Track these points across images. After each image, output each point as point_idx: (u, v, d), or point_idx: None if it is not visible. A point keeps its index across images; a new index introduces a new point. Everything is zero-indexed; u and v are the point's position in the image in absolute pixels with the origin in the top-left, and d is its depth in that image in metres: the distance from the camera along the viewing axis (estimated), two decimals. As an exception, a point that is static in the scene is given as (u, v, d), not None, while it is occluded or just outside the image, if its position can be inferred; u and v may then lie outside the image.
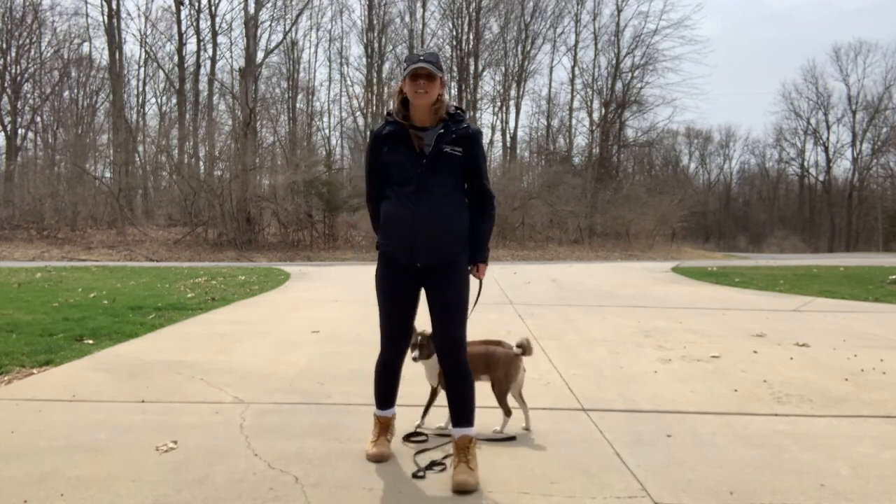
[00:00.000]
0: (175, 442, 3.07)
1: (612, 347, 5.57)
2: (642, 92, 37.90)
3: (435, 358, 3.03)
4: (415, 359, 3.10)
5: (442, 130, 2.73)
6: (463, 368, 2.82)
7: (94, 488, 2.57)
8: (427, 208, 2.70)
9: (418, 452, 3.00)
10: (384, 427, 3.02)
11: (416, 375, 4.45)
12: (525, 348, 3.28)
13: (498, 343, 3.33)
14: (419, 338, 3.09)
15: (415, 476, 2.74)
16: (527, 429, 3.32)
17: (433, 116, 2.74)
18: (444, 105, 2.75)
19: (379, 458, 2.89)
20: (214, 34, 33.02)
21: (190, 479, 2.66)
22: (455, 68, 35.51)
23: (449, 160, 2.72)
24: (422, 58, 2.67)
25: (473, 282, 2.90)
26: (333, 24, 42.44)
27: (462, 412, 2.79)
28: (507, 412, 3.26)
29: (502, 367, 3.24)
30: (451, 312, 2.79)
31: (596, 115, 38.01)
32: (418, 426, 3.31)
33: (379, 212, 2.89)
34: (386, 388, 3.02)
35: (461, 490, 2.57)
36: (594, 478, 2.71)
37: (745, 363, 4.96)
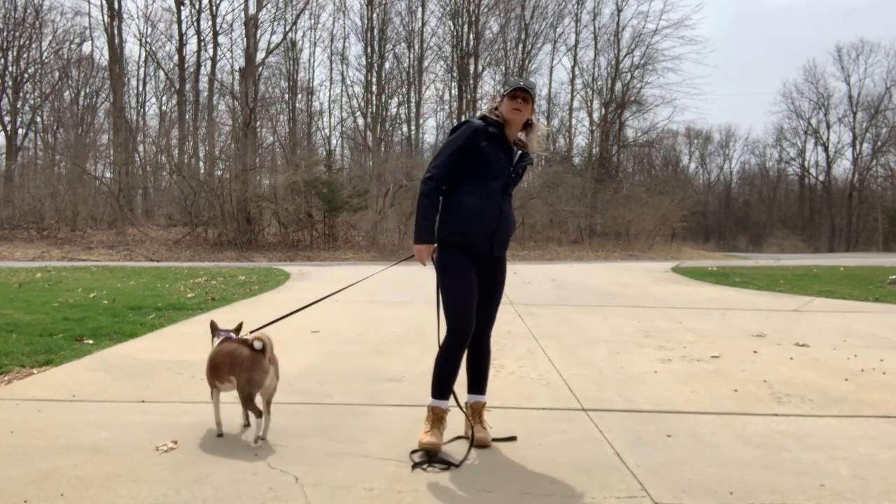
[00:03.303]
0: (175, 442, 3.07)
1: (612, 347, 5.57)
2: (642, 92, 37.96)
3: (213, 350, 3.24)
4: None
5: (521, 153, 3.15)
6: (486, 348, 3.23)
7: (94, 488, 2.57)
8: (509, 207, 3.13)
9: (415, 451, 2.99)
10: (438, 418, 3.03)
11: (412, 376, 4.45)
12: (264, 345, 3.03)
13: (248, 344, 3.08)
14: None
15: (416, 465, 2.79)
16: (262, 438, 3.07)
17: (518, 137, 3.16)
18: (533, 130, 3.14)
19: (431, 447, 2.91)
20: (215, 34, 33.04)
21: (190, 479, 2.66)
22: (455, 68, 35.52)
23: (518, 175, 3.19)
24: (522, 83, 3.01)
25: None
26: (334, 23, 42.55)
27: (479, 382, 3.21)
28: (257, 413, 3.06)
29: (246, 370, 3.03)
30: (495, 304, 3.22)
31: (596, 115, 38.06)
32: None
33: (440, 193, 3.06)
34: (448, 376, 3.04)
35: (482, 445, 3.04)
36: (594, 478, 2.71)
37: (745, 363, 4.96)
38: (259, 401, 3.10)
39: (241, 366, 3.05)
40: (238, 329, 3.40)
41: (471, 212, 2.99)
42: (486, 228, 3.00)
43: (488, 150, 2.99)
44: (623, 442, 3.15)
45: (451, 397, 3.07)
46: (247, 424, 3.28)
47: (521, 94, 2.99)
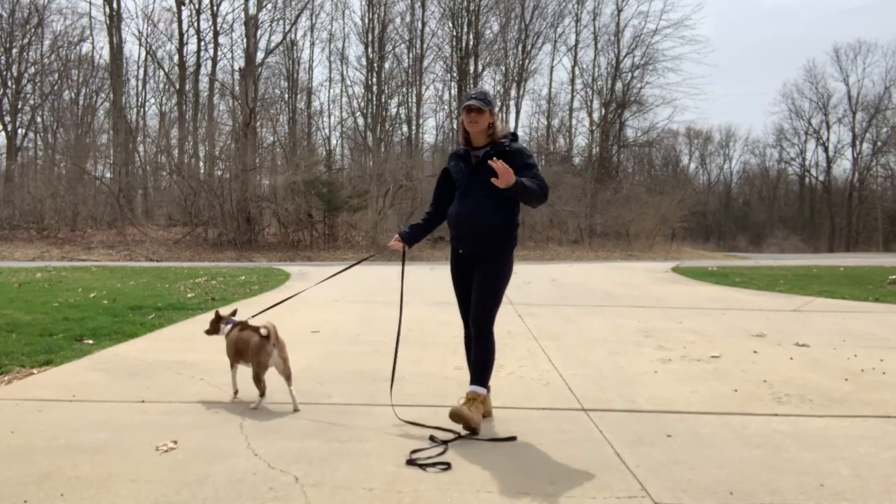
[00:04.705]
0: (175, 442, 3.07)
1: (612, 347, 5.57)
2: (642, 92, 37.88)
3: (233, 335, 3.78)
4: (206, 332, 4.02)
5: (488, 148, 3.41)
6: (483, 339, 3.38)
7: (94, 488, 2.57)
8: (467, 208, 3.43)
9: (416, 451, 2.99)
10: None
11: (412, 376, 4.45)
12: (269, 332, 3.61)
13: (256, 329, 3.66)
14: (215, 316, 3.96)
15: (411, 463, 2.80)
16: (296, 409, 3.63)
17: (487, 139, 3.45)
18: (498, 130, 3.45)
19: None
20: (216, 34, 33.02)
21: (190, 479, 2.66)
22: (455, 68, 35.51)
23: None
24: (473, 96, 3.41)
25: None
26: (334, 24, 42.53)
27: (476, 372, 3.38)
28: (262, 392, 3.67)
29: (254, 354, 3.62)
30: (478, 296, 3.41)
31: (596, 115, 38.01)
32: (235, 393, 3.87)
33: (431, 213, 3.71)
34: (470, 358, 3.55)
35: (454, 417, 3.19)
36: (594, 478, 2.71)
37: (745, 363, 4.96)
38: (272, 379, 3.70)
39: (251, 350, 3.64)
40: (233, 314, 4.08)
41: (447, 216, 3.62)
42: (451, 229, 3.54)
43: (452, 168, 3.58)
44: (623, 442, 3.15)
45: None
46: (261, 395, 3.72)
47: (473, 107, 3.36)
